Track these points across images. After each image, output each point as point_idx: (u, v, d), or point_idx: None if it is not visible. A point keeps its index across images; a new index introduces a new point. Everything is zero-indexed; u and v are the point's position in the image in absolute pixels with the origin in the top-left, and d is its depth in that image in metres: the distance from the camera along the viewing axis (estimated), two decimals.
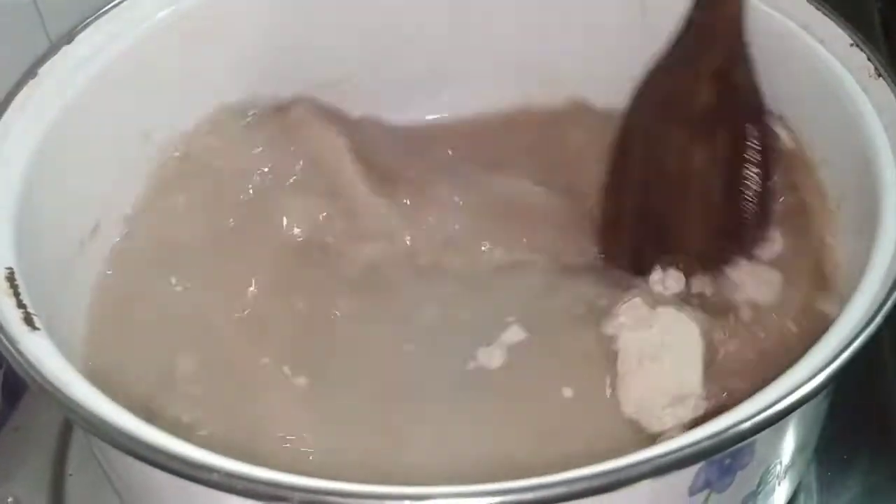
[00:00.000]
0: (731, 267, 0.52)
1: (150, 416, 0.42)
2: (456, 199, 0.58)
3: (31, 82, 0.49)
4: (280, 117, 0.59)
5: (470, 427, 0.47)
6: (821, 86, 0.50)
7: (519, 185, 0.59)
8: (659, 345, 0.48)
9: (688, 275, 0.52)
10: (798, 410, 0.36)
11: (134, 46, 0.54)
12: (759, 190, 0.52)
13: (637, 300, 0.50)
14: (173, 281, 0.53)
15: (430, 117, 0.64)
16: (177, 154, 0.57)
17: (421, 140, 0.63)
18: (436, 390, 0.49)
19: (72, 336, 0.48)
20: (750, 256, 0.52)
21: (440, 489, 0.34)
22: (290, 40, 0.60)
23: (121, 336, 0.50)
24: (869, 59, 0.48)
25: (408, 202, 0.57)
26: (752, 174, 0.52)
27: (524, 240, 0.56)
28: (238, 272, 0.54)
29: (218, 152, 0.57)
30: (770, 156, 0.52)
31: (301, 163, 0.58)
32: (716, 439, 0.34)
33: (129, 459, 0.35)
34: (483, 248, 0.56)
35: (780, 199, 0.53)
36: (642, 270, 0.52)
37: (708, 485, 0.38)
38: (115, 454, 0.38)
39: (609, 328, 0.49)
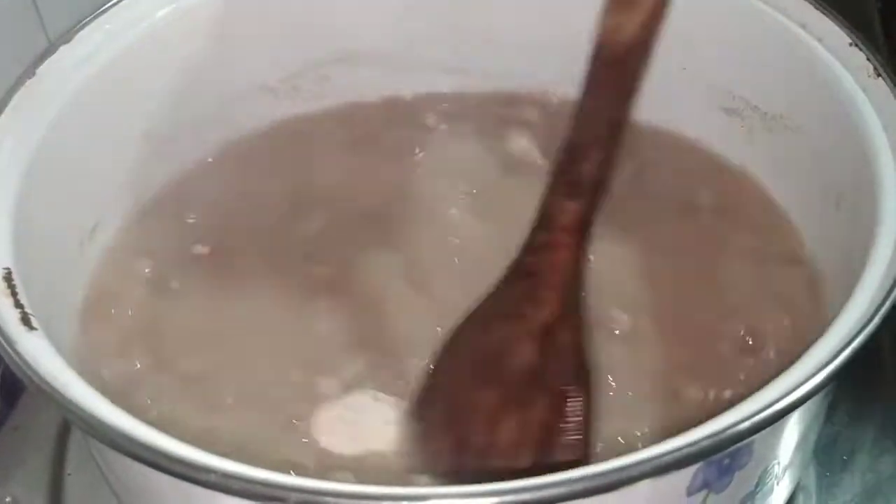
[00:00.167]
0: None
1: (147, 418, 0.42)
2: None
3: (30, 81, 0.49)
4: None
5: None
6: (819, 85, 0.50)
7: None
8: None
9: None
10: (797, 410, 0.36)
11: (133, 45, 0.53)
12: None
13: None
14: (173, 282, 0.53)
15: None
16: None
17: None
18: None
19: (70, 336, 0.48)
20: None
21: (440, 489, 0.34)
22: (292, 40, 0.60)
23: (120, 337, 0.50)
24: (868, 59, 0.48)
25: None
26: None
27: None
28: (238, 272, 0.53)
29: None
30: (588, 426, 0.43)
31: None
32: (714, 439, 0.34)
33: (127, 460, 0.35)
34: None
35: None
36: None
37: (706, 485, 0.38)
38: (112, 455, 0.38)
39: None
